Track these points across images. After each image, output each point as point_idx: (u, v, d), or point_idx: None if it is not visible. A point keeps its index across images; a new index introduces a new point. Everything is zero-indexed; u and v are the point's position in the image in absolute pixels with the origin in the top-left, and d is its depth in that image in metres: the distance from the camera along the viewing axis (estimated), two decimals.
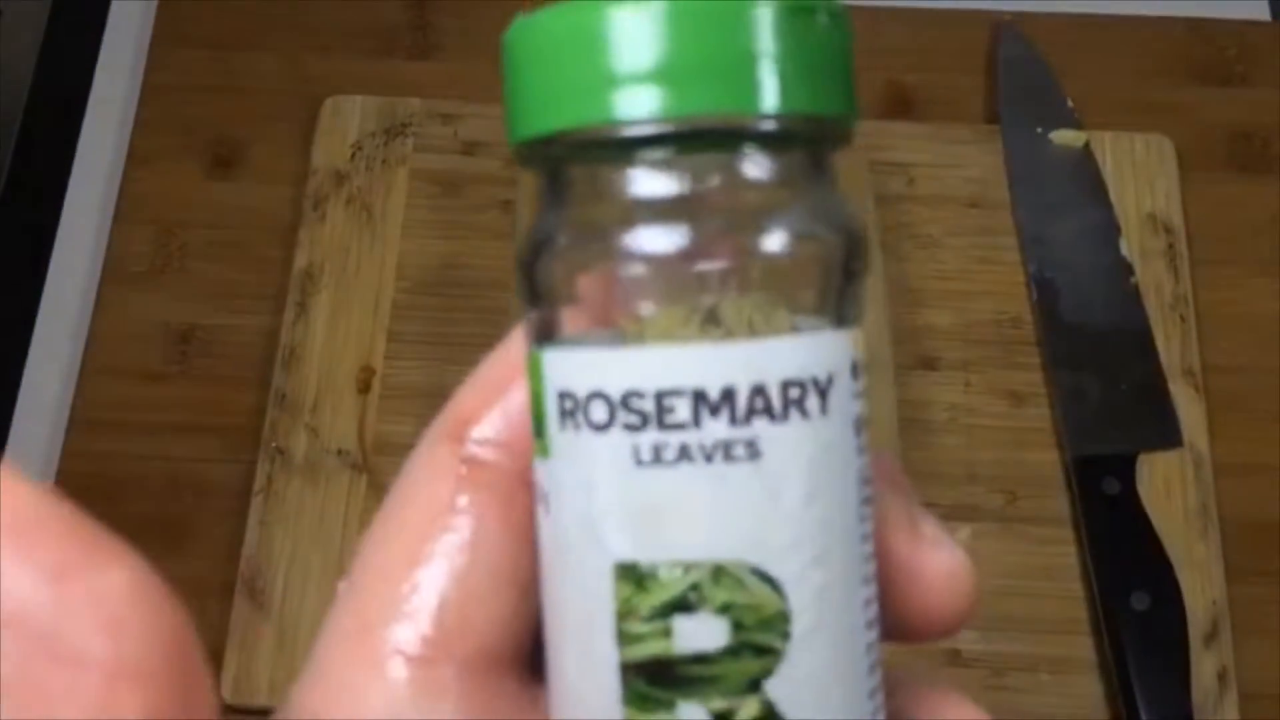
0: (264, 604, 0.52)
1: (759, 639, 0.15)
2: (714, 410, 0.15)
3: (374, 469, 0.55)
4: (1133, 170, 0.60)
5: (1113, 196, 0.59)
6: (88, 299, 0.58)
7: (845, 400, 0.16)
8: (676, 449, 0.15)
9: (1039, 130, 0.60)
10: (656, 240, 0.16)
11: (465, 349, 0.57)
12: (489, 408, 0.19)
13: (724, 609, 0.15)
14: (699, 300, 0.16)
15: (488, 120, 0.61)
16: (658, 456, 0.15)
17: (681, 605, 0.15)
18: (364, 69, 0.63)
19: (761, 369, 0.15)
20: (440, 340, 0.57)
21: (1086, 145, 0.60)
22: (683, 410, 0.15)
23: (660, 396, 0.15)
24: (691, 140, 0.16)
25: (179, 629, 0.15)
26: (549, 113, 0.16)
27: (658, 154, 0.16)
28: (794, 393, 0.15)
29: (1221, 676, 0.51)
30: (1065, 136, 0.60)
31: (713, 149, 0.16)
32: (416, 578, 0.18)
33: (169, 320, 0.58)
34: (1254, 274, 0.59)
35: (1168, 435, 0.55)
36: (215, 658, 0.51)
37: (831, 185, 0.17)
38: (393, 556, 0.18)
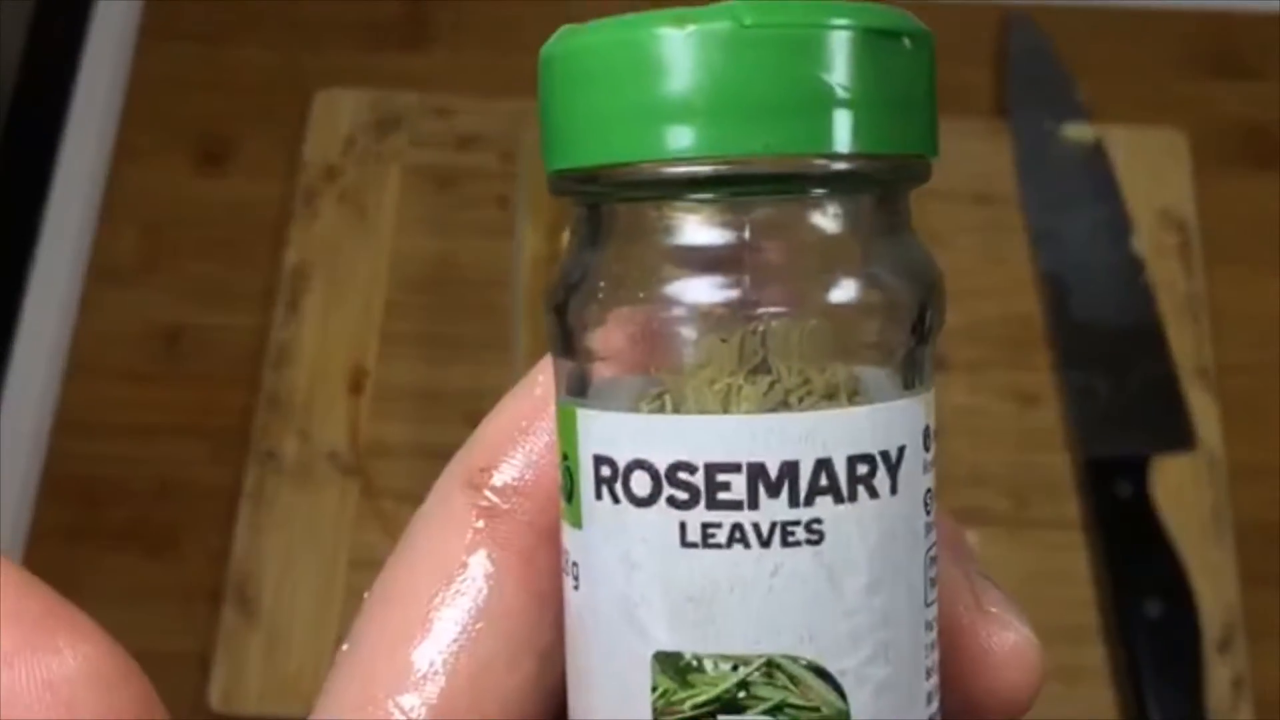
0: (253, 610, 0.51)
1: None
2: (772, 488, 0.14)
3: (366, 472, 0.54)
4: (1145, 165, 0.59)
5: (1124, 192, 0.58)
6: (73, 298, 0.58)
7: (916, 474, 0.15)
8: (729, 530, 0.14)
9: (1049, 124, 0.59)
10: (709, 292, 0.14)
11: (460, 349, 0.56)
12: (510, 451, 0.17)
13: (776, 710, 0.14)
14: (752, 357, 0.14)
15: (483, 115, 0.60)
16: (707, 538, 0.14)
17: (729, 704, 0.14)
18: (357, 62, 0.62)
19: (826, 442, 0.14)
20: (434, 340, 0.56)
21: (1098, 139, 0.59)
22: (738, 487, 0.14)
23: (712, 471, 0.14)
24: (753, 183, 0.14)
25: (138, 706, 0.14)
26: (591, 145, 0.15)
27: (714, 197, 0.14)
28: (862, 469, 0.14)
29: (1236, 684, 0.50)
30: (1076, 130, 0.59)
31: (777, 193, 0.14)
32: (426, 645, 0.16)
33: (156, 320, 0.57)
34: (1269, 271, 0.58)
35: (1181, 437, 0.54)
36: (203, 665, 0.50)
37: (906, 230, 0.16)
38: (399, 620, 0.17)
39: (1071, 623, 0.52)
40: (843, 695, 0.14)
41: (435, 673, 0.16)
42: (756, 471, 0.14)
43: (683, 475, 0.14)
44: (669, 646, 0.14)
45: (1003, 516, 0.54)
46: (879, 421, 0.14)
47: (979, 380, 0.56)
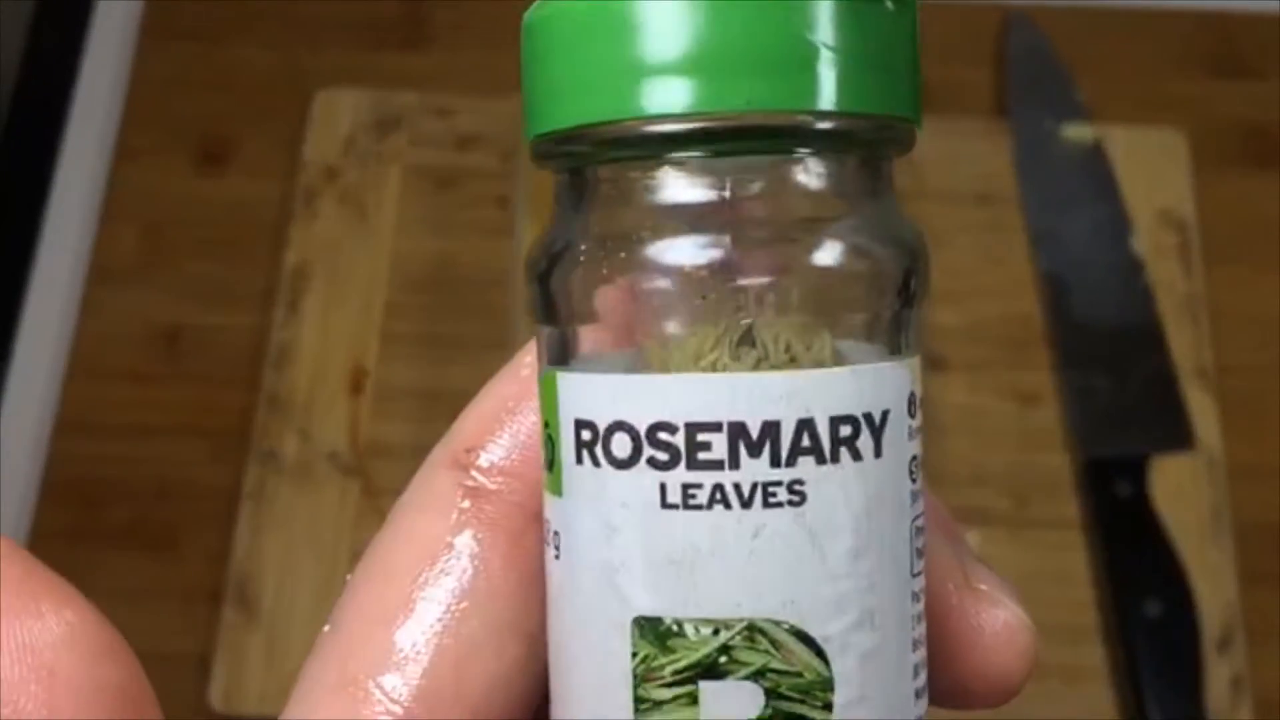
0: (254, 611, 0.51)
1: (797, 710, 0.14)
2: (754, 448, 0.13)
3: (366, 472, 0.54)
4: (1144, 165, 0.59)
5: (1124, 192, 0.58)
6: (74, 299, 0.57)
7: (901, 439, 0.14)
8: (710, 491, 0.14)
9: (1049, 124, 0.59)
10: (691, 252, 0.14)
11: (460, 349, 0.56)
12: (497, 431, 0.17)
13: (758, 675, 0.14)
14: (735, 321, 0.14)
15: (483, 114, 0.59)
16: (688, 499, 0.14)
17: (710, 669, 0.14)
18: (356, 62, 0.62)
19: (809, 402, 0.13)
20: (435, 340, 0.56)
21: (1097, 139, 0.59)
22: (718, 447, 0.13)
23: (693, 430, 0.14)
24: (736, 140, 0.14)
25: (123, 677, 0.14)
26: (572, 105, 0.14)
27: (696, 155, 0.14)
28: (845, 430, 0.14)
29: (1235, 684, 0.50)
30: (1076, 130, 0.59)
31: (760, 151, 0.14)
32: (408, 626, 0.16)
33: (157, 320, 0.57)
34: (1269, 271, 0.58)
35: (1181, 437, 0.54)
36: (204, 666, 0.50)
37: (889, 196, 0.15)
38: (382, 600, 0.16)
39: (1071, 623, 0.52)
40: (826, 661, 0.14)
41: (418, 654, 0.16)
42: (737, 431, 0.13)
43: (663, 435, 0.14)
44: (649, 611, 0.14)
45: (1003, 516, 0.54)
46: (863, 383, 0.14)
47: (979, 380, 0.56)
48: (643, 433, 0.14)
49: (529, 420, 0.16)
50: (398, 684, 0.15)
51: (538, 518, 0.16)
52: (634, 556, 0.14)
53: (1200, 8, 0.63)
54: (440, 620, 0.16)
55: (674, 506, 0.14)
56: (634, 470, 0.14)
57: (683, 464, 0.14)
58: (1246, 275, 0.58)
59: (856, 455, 0.14)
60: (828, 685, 0.14)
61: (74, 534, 0.53)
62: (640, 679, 0.14)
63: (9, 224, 0.60)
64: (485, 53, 0.61)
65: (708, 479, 0.14)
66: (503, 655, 0.16)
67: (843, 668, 0.14)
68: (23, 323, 0.57)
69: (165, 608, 0.52)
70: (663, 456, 0.14)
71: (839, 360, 0.14)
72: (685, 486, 0.14)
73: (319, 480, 0.54)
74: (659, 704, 0.14)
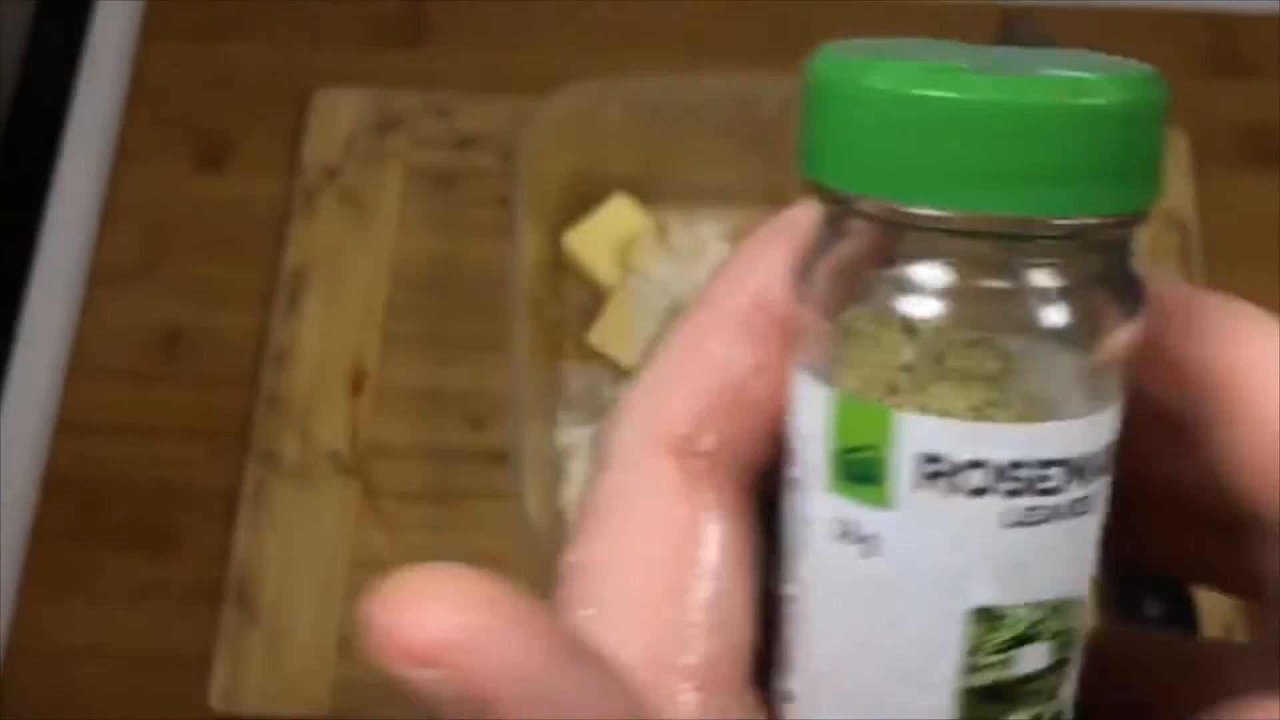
0: (253, 610, 0.51)
1: (1068, 654, 0.18)
2: (1077, 475, 0.17)
3: (366, 472, 0.54)
4: None
5: None
6: (74, 299, 0.58)
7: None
8: (1047, 510, 0.17)
9: None
10: (949, 311, 0.17)
11: (460, 349, 0.56)
12: (715, 418, 0.18)
13: (1056, 635, 0.17)
14: (999, 375, 0.17)
15: (483, 114, 0.59)
16: (1030, 518, 0.17)
17: (1025, 639, 0.17)
18: (357, 62, 0.62)
19: (1098, 439, 0.17)
20: (435, 340, 0.56)
21: None
22: (1057, 478, 0.17)
23: (1042, 467, 0.17)
24: (996, 236, 0.17)
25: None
26: (849, 172, 0.17)
27: (957, 242, 0.17)
28: (1106, 457, 0.18)
29: None
30: None
31: (1008, 241, 0.17)
32: (681, 610, 0.17)
33: (157, 321, 0.57)
34: (1269, 271, 0.58)
35: None
36: (204, 666, 0.50)
37: (1136, 260, 0.18)
38: (646, 592, 0.18)
39: None
40: (1083, 614, 0.18)
41: (699, 639, 0.17)
42: (1065, 464, 0.17)
43: (1016, 472, 0.17)
44: (986, 603, 0.17)
45: None
46: (1109, 421, 0.17)
47: None
48: (999, 470, 0.17)
49: (752, 411, 0.18)
50: (693, 660, 0.17)
51: (751, 494, 0.18)
52: (980, 564, 0.17)
53: (1200, 8, 0.63)
54: (709, 606, 0.17)
55: (1018, 525, 0.17)
56: (987, 498, 0.17)
57: (1029, 492, 0.17)
58: (1246, 275, 0.58)
59: (1108, 471, 0.18)
60: (1084, 629, 0.18)
61: (74, 534, 0.53)
62: (972, 651, 0.17)
63: (9, 224, 0.60)
64: (485, 53, 0.61)
65: (1046, 502, 0.17)
66: (753, 626, 0.18)
67: (1086, 615, 0.18)
68: (23, 323, 0.57)
69: (165, 608, 0.52)
70: (1015, 488, 0.17)
71: (1092, 403, 0.18)
72: (1029, 509, 0.17)
73: (319, 480, 0.54)
74: (984, 667, 0.17)
